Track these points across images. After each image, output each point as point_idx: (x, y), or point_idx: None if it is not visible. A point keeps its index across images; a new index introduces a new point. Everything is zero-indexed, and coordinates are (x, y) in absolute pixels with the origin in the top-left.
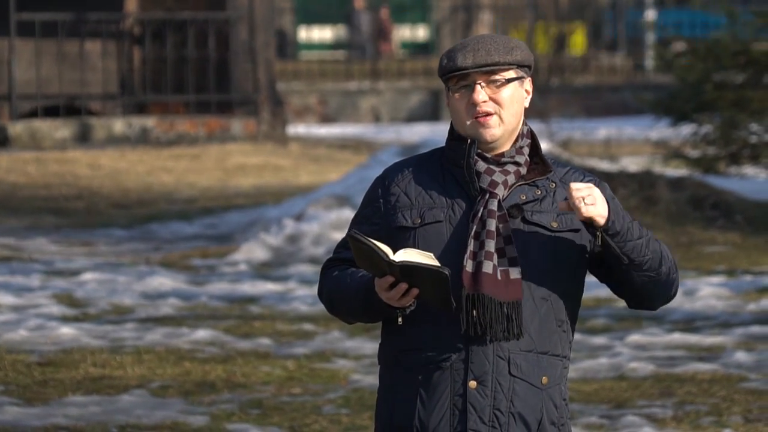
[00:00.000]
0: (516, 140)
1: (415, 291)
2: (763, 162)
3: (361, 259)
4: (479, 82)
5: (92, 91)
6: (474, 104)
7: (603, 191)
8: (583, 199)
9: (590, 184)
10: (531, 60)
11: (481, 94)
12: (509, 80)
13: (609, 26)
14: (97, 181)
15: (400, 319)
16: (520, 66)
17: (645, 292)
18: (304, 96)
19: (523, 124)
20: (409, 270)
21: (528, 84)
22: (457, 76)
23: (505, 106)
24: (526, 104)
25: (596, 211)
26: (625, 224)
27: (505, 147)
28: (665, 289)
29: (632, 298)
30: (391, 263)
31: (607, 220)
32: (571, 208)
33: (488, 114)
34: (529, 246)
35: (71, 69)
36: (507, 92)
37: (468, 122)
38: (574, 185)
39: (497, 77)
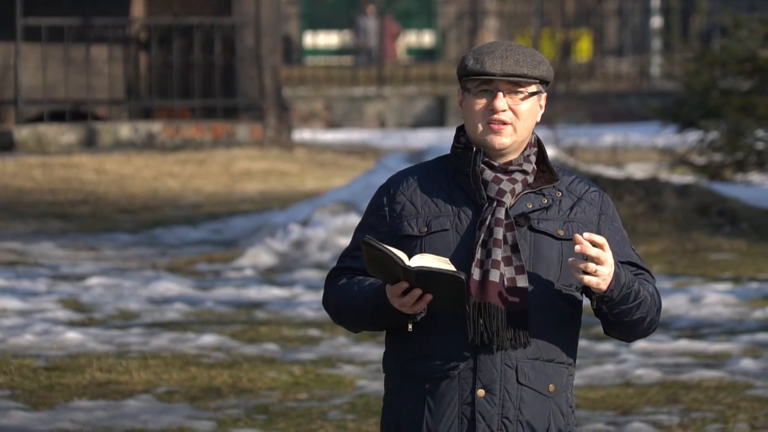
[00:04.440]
0: (524, 149)
1: (428, 297)
2: None
3: (373, 266)
4: (503, 90)
5: (98, 96)
6: (493, 111)
7: (607, 207)
8: (587, 267)
9: (604, 246)
10: (552, 76)
11: (502, 102)
12: (531, 94)
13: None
14: (102, 186)
15: (410, 326)
16: (541, 81)
17: (622, 331)
18: (309, 101)
19: (531, 133)
20: (426, 276)
21: (543, 100)
22: (481, 79)
23: (522, 119)
24: (538, 118)
25: (597, 286)
26: (622, 293)
27: (513, 156)
28: (643, 333)
29: (607, 329)
30: (407, 269)
31: (606, 289)
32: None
33: (504, 123)
34: (535, 254)
35: (77, 74)
36: (526, 105)
37: (481, 126)
38: (586, 239)
39: (521, 89)
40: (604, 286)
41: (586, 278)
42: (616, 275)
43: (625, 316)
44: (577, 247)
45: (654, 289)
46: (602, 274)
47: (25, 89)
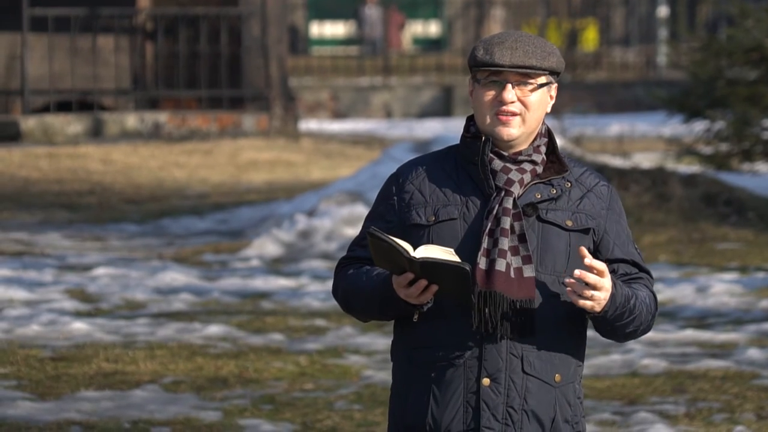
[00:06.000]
0: (534, 139)
1: (434, 288)
2: None
3: (379, 257)
4: (511, 81)
5: (105, 87)
6: (501, 102)
7: (615, 202)
8: (584, 293)
9: (603, 272)
10: (562, 67)
11: (511, 93)
12: (540, 85)
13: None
14: (109, 176)
15: (416, 317)
16: (551, 72)
17: (612, 337)
18: (316, 92)
19: (541, 124)
20: (430, 267)
21: (553, 90)
22: (490, 70)
23: (531, 110)
24: (548, 110)
25: (591, 309)
26: (617, 312)
27: (523, 146)
28: (633, 337)
29: (599, 331)
30: (412, 260)
31: (600, 311)
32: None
33: (512, 114)
34: (543, 244)
35: (84, 64)
36: (535, 96)
37: (489, 117)
38: (590, 264)
39: (530, 81)
40: (598, 308)
41: (581, 301)
42: (612, 296)
43: (618, 329)
44: (577, 272)
45: (651, 294)
46: (598, 298)
47: (31, 79)
